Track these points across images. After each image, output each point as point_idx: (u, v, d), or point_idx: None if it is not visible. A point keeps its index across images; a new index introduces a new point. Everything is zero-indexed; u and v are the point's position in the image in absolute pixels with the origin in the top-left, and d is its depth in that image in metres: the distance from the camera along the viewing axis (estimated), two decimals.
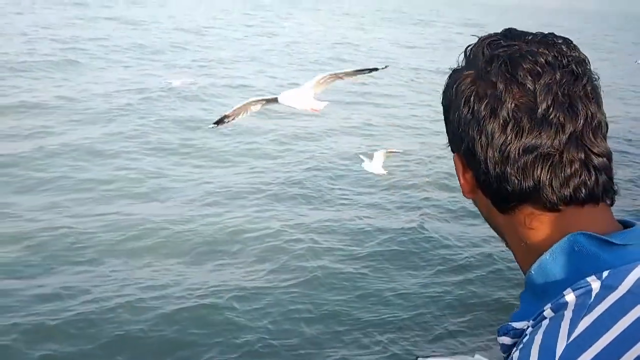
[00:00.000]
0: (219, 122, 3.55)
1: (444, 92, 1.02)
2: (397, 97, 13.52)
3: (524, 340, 0.88)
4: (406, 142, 10.07)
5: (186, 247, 6.01)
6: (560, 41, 0.97)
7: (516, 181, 0.94)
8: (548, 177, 0.92)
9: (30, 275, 5.37)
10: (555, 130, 0.91)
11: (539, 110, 0.91)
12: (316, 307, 5.27)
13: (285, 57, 17.26)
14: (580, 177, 0.92)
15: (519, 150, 0.92)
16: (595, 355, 0.81)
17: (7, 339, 4.51)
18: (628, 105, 15.14)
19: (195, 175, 7.83)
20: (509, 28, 1.00)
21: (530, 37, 0.97)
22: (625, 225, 0.96)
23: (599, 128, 0.94)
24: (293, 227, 6.63)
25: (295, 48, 18.72)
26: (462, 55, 1.01)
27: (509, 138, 0.92)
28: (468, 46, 1.01)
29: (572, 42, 0.98)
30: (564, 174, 0.92)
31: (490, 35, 0.99)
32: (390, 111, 12.23)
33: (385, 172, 5.43)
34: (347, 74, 3.45)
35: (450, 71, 1.03)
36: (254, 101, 3.44)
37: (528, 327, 0.90)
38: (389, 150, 5.46)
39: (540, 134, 0.91)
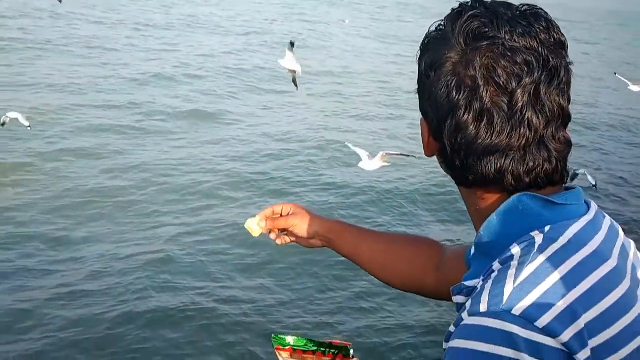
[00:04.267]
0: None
1: (422, 59, 1.02)
2: None
3: (476, 291, 0.94)
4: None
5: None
6: (542, 25, 0.96)
7: (478, 171, 0.97)
8: (510, 168, 0.96)
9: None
10: (524, 131, 0.94)
11: (512, 111, 0.93)
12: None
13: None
14: (542, 168, 0.96)
15: (486, 147, 0.95)
16: (539, 297, 0.87)
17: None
18: None
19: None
20: (492, 1, 0.99)
21: (513, 26, 0.95)
22: (567, 188, 1.02)
23: (566, 121, 0.98)
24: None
25: None
26: (444, 18, 1.01)
27: (480, 134, 0.95)
28: (453, 10, 1.00)
29: (553, 23, 0.98)
30: (526, 166, 0.96)
31: (473, 13, 0.97)
32: None
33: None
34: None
35: (431, 30, 1.03)
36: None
37: (479, 282, 0.96)
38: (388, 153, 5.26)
39: (510, 134, 0.94)
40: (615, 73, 8.19)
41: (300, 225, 1.48)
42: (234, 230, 5.78)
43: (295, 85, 4.76)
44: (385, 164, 4.96)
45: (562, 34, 0.99)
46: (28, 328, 4.43)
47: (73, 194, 6.50)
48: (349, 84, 12.44)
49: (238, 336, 4.49)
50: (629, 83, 7.21)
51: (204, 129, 8.97)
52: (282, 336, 1.43)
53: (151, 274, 5.12)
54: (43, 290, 4.88)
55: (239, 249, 5.60)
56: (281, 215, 1.50)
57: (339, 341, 1.43)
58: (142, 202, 6.48)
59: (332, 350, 1.42)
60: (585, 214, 0.98)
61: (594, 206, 1.01)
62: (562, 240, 0.93)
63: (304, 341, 1.43)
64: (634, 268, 0.99)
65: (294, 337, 1.43)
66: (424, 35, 1.04)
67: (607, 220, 1.02)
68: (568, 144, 0.98)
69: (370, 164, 4.99)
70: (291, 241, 1.53)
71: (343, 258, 1.51)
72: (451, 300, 1.08)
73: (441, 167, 1.07)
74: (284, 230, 1.51)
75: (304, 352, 1.42)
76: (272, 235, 1.51)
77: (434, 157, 1.07)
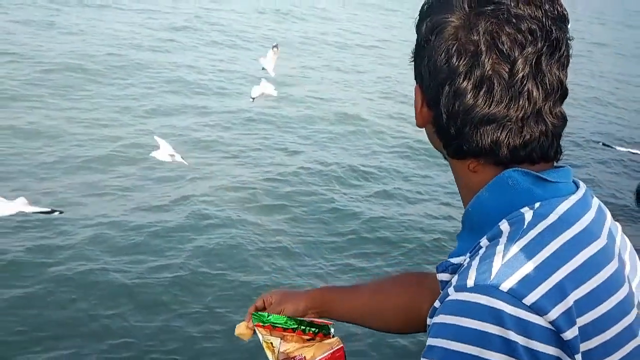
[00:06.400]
0: None
1: (422, 24, 0.98)
2: None
3: (463, 267, 0.92)
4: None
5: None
6: None
7: (473, 141, 0.94)
8: (506, 140, 0.93)
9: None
10: (523, 103, 0.91)
11: (513, 81, 0.90)
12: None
13: None
14: (539, 142, 0.94)
15: (484, 116, 0.92)
16: (528, 273, 0.85)
17: None
18: None
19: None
20: None
21: None
22: (556, 167, 0.99)
23: (564, 96, 0.95)
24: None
25: None
26: None
27: (478, 102, 0.91)
28: None
29: None
30: (523, 139, 0.93)
31: None
32: None
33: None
34: None
35: None
36: None
37: (465, 259, 0.94)
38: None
39: (509, 105, 0.91)
40: None
41: (289, 308, 1.41)
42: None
43: None
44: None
45: (565, 8, 0.96)
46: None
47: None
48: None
49: (218, 311, 4.50)
50: None
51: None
52: (262, 314, 1.40)
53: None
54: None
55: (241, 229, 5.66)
56: (265, 308, 1.43)
57: (320, 320, 1.39)
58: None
59: (313, 329, 1.39)
60: (574, 192, 0.96)
61: (582, 186, 1.00)
62: (553, 217, 0.91)
63: (284, 319, 1.39)
64: (620, 250, 0.97)
65: (274, 314, 1.40)
66: (424, 1, 1.01)
67: (596, 201, 1.01)
68: (564, 120, 0.96)
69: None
70: None
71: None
72: None
73: (430, 139, 1.04)
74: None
75: (284, 329, 1.39)
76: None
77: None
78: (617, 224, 1.03)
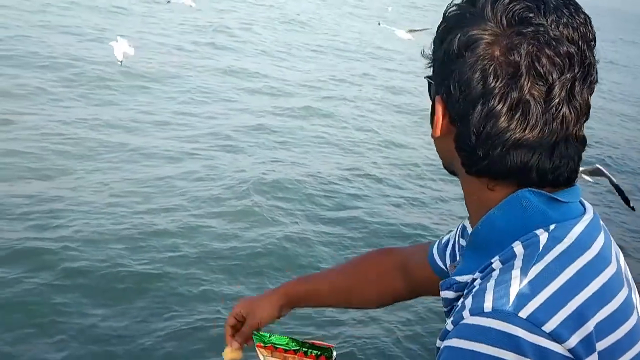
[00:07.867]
0: None
1: (451, 34, 0.92)
2: None
3: (475, 289, 0.88)
4: None
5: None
6: (582, 19, 0.90)
7: (502, 164, 0.90)
8: (537, 164, 0.89)
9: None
10: (556, 127, 0.88)
11: (549, 105, 0.87)
12: None
13: None
14: (567, 166, 0.91)
15: (517, 140, 0.88)
16: (547, 299, 0.82)
17: None
18: None
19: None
20: None
21: (559, 15, 0.88)
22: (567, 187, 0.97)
23: (587, 119, 0.93)
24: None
25: None
26: None
27: (512, 126, 0.88)
28: None
29: (590, 18, 0.92)
30: (553, 164, 0.90)
31: None
32: None
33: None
34: None
35: (460, 4, 0.93)
36: None
37: (474, 279, 0.91)
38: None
39: (543, 129, 0.88)
40: (379, 23, 8.60)
41: (263, 314, 1.42)
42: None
43: None
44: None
45: (594, 29, 0.93)
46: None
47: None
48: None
49: (219, 332, 4.34)
50: (395, 30, 7.78)
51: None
52: (263, 334, 1.38)
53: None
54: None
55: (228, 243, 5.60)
56: (240, 324, 1.44)
57: (321, 342, 1.38)
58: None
59: (315, 352, 1.37)
60: (584, 213, 0.94)
61: (589, 205, 0.97)
62: (568, 240, 0.88)
63: (286, 340, 1.38)
64: (627, 275, 0.96)
65: (275, 335, 1.38)
66: (451, 6, 0.94)
67: (602, 223, 0.98)
68: (585, 142, 0.94)
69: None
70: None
71: (328, 262, 1.43)
72: (427, 295, 1.06)
73: (442, 152, 0.99)
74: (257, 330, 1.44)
75: (286, 351, 1.37)
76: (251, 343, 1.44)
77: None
78: (618, 247, 1.01)
